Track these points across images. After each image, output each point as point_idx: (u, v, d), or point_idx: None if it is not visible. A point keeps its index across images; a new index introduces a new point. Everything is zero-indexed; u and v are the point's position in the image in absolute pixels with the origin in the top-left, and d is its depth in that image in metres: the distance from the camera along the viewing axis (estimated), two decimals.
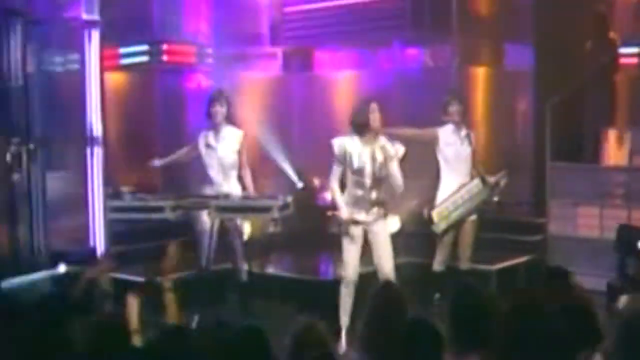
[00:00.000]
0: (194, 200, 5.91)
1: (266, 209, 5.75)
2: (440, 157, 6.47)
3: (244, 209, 5.86)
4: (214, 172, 6.34)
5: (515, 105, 9.04)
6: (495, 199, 6.76)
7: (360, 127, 5.41)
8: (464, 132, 6.50)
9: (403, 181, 5.40)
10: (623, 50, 7.90)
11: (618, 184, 7.30)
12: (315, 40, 9.33)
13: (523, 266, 7.45)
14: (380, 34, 8.75)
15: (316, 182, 8.71)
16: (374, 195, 5.43)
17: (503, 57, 9.15)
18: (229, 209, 5.82)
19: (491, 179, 6.47)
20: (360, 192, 5.41)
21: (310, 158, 8.86)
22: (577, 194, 7.59)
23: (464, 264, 6.56)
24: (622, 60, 7.92)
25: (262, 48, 9.49)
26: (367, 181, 5.41)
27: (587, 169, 7.74)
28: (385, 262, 5.50)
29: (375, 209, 5.47)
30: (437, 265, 6.53)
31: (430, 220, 6.34)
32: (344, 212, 5.40)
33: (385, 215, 5.57)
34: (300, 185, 8.37)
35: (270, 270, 7.41)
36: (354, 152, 5.40)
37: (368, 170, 5.37)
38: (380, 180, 5.44)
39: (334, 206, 5.95)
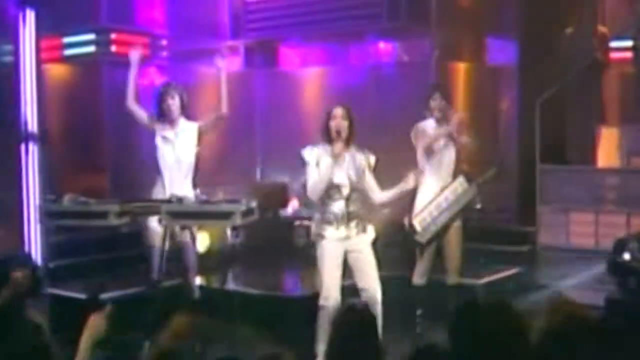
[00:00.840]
0: (143, 205, 5.34)
1: (227, 215, 5.17)
2: (420, 157, 6.05)
3: (201, 215, 5.28)
4: (168, 172, 5.83)
5: (498, 103, 8.96)
6: (478, 205, 6.48)
7: (324, 136, 5.07)
8: (444, 128, 6.11)
9: (379, 191, 5.12)
10: (614, 44, 7.84)
11: (614, 187, 7.14)
12: (280, 33, 9.11)
13: (511, 280, 7.18)
14: (352, 26, 8.54)
15: (282, 188, 8.65)
16: (351, 208, 5.07)
17: (485, 52, 9.04)
18: (183, 214, 5.25)
19: (477, 178, 6.13)
20: (336, 206, 5.05)
21: (275, 162, 8.93)
22: (569, 198, 7.40)
23: (453, 278, 6.12)
24: (614, 55, 7.87)
25: (222, 41, 9.19)
26: (344, 193, 5.04)
27: (580, 171, 7.60)
28: (372, 282, 5.08)
29: (354, 223, 5.10)
30: (418, 278, 6.10)
31: (412, 230, 5.92)
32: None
33: (365, 230, 5.18)
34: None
35: (230, 286, 6.97)
36: (320, 160, 5.04)
37: (344, 181, 5.02)
38: (356, 191, 5.09)
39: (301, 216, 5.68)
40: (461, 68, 8.86)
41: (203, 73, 8.49)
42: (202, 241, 7.14)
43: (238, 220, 5.09)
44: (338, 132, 4.95)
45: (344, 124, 4.97)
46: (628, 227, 6.94)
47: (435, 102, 6.05)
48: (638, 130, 7.46)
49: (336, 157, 4.98)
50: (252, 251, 7.69)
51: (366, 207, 5.14)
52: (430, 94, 6.11)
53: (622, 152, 7.54)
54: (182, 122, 5.90)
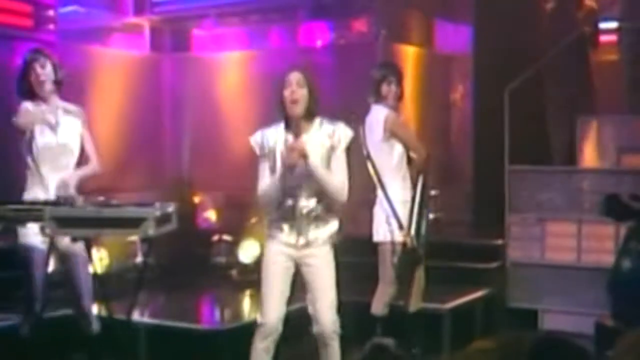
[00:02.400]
0: (19, 209, 4.39)
1: (136, 223, 4.28)
2: (397, 158, 5.53)
3: (100, 223, 4.33)
4: (48, 166, 4.87)
5: (450, 94, 8.94)
6: (431, 215, 6.15)
7: (278, 110, 4.39)
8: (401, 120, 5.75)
9: (348, 183, 4.37)
10: (603, 25, 7.68)
11: (600, 192, 6.43)
12: (192, 9, 9.00)
13: (480, 303, 6.83)
14: (278, 2, 8.66)
15: (196, 198, 8.44)
16: (308, 206, 4.37)
17: (436, 36, 9.13)
18: (75, 221, 4.31)
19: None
20: (288, 203, 4.37)
21: (189, 163, 8.85)
22: (545, 206, 7.03)
23: (415, 304, 5.60)
24: (603, 38, 7.73)
25: (123, 18, 8.93)
26: (298, 186, 4.35)
27: (558, 173, 7.12)
28: (324, 307, 4.38)
29: (312, 226, 4.40)
30: (381, 305, 5.55)
31: (410, 247, 5.38)
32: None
33: (325, 236, 4.44)
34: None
35: (136, 315, 6.27)
36: (277, 145, 4.39)
37: (298, 169, 4.31)
38: (312, 184, 4.36)
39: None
40: (410, 53, 8.60)
41: (98, 54, 8.41)
42: (101, 258, 6.85)
43: (151, 230, 4.26)
44: (294, 102, 4.27)
45: (301, 92, 4.28)
46: (616, 239, 6.43)
47: (391, 87, 5.54)
48: (630, 122, 7.03)
49: (295, 137, 4.32)
50: (163, 272, 7.29)
51: (331, 204, 4.41)
52: (381, 76, 5.56)
53: (611, 149, 7.09)
54: (59, 103, 4.93)
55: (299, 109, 4.28)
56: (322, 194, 4.33)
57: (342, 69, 7.96)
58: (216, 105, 8.84)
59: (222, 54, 9.20)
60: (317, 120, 4.36)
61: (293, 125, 4.33)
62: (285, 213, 4.37)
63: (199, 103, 8.98)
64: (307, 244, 4.37)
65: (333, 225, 4.42)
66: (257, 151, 4.43)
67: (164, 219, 4.51)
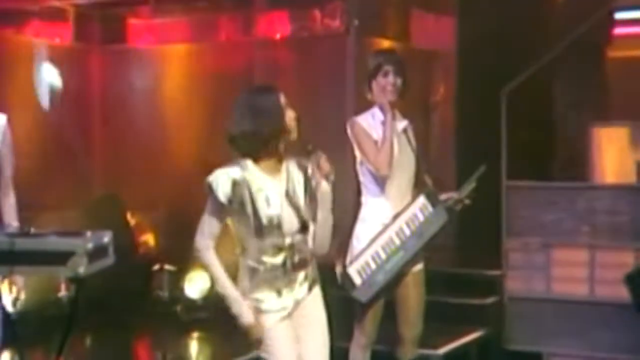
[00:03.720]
0: None
1: (61, 258, 4.08)
2: (361, 169, 5.36)
3: (12, 257, 4.19)
4: None
5: (429, 97, 8.94)
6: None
7: (264, 142, 4.08)
8: (401, 123, 5.38)
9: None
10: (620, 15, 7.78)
11: (618, 212, 6.58)
12: None
13: (474, 346, 6.74)
14: None
15: (131, 218, 8.34)
16: (298, 257, 4.15)
17: (414, 30, 9.01)
18: None
19: (448, 195, 5.45)
20: (278, 260, 4.10)
21: (121, 175, 8.62)
22: (551, 229, 6.92)
23: (410, 351, 5.34)
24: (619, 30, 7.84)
25: (42, 1, 8.74)
26: (287, 237, 4.09)
27: (567, 190, 7.01)
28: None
29: (302, 276, 4.18)
30: (358, 351, 5.36)
31: (348, 282, 5.18)
32: (247, 317, 4.09)
33: (314, 283, 4.27)
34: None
35: None
36: (257, 190, 4.05)
37: (286, 217, 4.07)
38: (305, 229, 4.18)
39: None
40: (384, 46, 8.40)
41: (11, 43, 8.37)
42: (14, 298, 6.69)
43: (81, 267, 4.04)
44: (292, 131, 4.13)
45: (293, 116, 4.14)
46: None
47: (386, 79, 5.25)
48: None
49: (272, 177, 4.11)
50: (91, 308, 6.78)
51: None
52: (376, 65, 5.26)
53: (630, 161, 7.01)
54: None
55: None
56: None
57: (305, 66, 7.99)
58: (156, 108, 8.79)
59: (162, 46, 9.14)
60: (291, 162, 4.15)
61: (271, 161, 4.03)
62: (271, 274, 4.05)
63: (134, 104, 8.89)
64: (305, 296, 4.17)
65: (313, 260, 4.20)
66: (220, 196, 3.98)
67: (98, 253, 4.30)
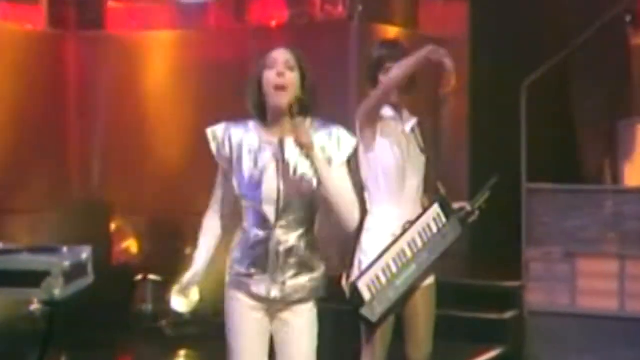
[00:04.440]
0: None
1: (35, 279, 4.05)
2: (366, 173, 5.31)
3: None
4: None
5: (439, 90, 8.66)
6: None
7: (253, 102, 4.16)
8: (409, 122, 5.32)
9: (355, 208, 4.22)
10: None
11: None
12: None
13: None
14: None
15: (112, 223, 8.30)
16: (288, 241, 4.13)
17: (421, 15, 9.09)
18: None
19: (460, 205, 5.43)
20: (260, 234, 4.14)
21: (100, 176, 8.68)
22: (577, 237, 6.94)
23: None
24: None
25: None
26: (271, 211, 4.10)
27: (594, 194, 7.05)
28: None
29: (291, 272, 4.14)
30: None
31: (357, 299, 5.08)
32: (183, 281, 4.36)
33: (310, 287, 4.22)
34: None
35: None
36: (243, 147, 4.17)
37: (272, 186, 4.08)
38: (297, 208, 4.14)
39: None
40: (391, 35, 8.41)
41: None
42: None
43: (57, 290, 4.09)
44: (280, 88, 4.03)
45: (291, 76, 4.03)
46: None
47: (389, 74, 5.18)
48: None
49: (271, 139, 4.12)
50: (67, 323, 6.20)
51: (317, 239, 4.27)
52: (378, 59, 5.21)
53: None
54: None
55: (286, 98, 3.96)
56: (308, 223, 4.12)
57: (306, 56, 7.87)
58: (138, 101, 8.73)
59: (145, 33, 9.10)
60: (308, 121, 4.06)
61: (276, 124, 4.03)
62: (252, 251, 4.09)
63: (114, 98, 8.85)
64: (284, 298, 4.12)
65: (319, 271, 4.13)
66: (213, 148, 4.16)
67: (75, 272, 4.32)
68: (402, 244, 5.18)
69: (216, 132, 4.12)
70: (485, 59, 8.23)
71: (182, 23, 9.08)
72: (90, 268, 4.43)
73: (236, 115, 4.37)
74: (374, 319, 5.07)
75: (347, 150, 4.09)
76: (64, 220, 7.87)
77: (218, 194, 4.19)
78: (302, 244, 4.11)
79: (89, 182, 8.78)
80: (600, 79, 7.57)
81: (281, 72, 3.96)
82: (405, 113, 5.28)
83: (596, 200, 6.93)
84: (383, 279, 5.12)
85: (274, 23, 8.67)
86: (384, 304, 5.12)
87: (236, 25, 8.87)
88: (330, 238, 4.71)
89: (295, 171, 4.07)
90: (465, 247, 7.58)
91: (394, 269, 5.15)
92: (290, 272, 4.11)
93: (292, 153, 4.03)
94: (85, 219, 7.98)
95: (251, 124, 4.10)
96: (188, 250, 7.20)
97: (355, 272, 5.17)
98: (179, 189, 7.78)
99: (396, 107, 5.21)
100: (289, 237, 4.08)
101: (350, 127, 5.51)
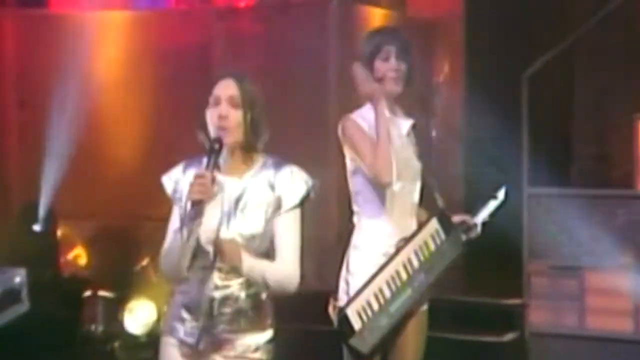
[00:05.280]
0: None
1: None
2: (355, 181, 5.24)
3: None
4: None
5: (431, 79, 8.92)
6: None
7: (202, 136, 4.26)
8: (405, 123, 5.24)
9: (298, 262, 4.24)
10: None
11: None
12: None
13: None
14: None
15: (57, 230, 8.24)
16: (226, 288, 4.18)
17: None
18: None
19: (461, 218, 5.38)
20: (196, 275, 4.22)
21: (42, 176, 8.31)
22: (586, 249, 6.89)
23: None
24: None
25: None
26: (208, 246, 4.18)
27: (606, 199, 7.02)
28: None
29: (223, 326, 4.17)
30: None
31: (346, 328, 5.04)
32: None
33: (252, 351, 4.24)
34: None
35: None
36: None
37: (211, 224, 4.17)
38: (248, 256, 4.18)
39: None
40: (376, 17, 8.43)
41: None
42: None
43: None
44: (222, 129, 4.11)
45: (235, 116, 4.10)
46: None
47: (388, 64, 5.06)
48: None
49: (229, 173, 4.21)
50: (5, 345, 6.51)
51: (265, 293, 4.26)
52: (374, 47, 5.11)
53: None
54: None
55: (231, 138, 4.07)
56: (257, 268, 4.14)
57: (276, 41, 7.99)
58: (87, 90, 8.35)
59: (95, 14, 8.94)
60: (260, 160, 4.16)
61: (231, 160, 4.15)
62: (188, 293, 4.15)
63: (59, 86, 8.36)
64: (217, 351, 4.11)
65: (266, 332, 4.15)
66: (169, 190, 4.26)
67: (7, 299, 4.54)
68: (396, 264, 5.09)
69: (169, 180, 4.18)
70: (483, 44, 8.23)
71: (139, 2, 9.08)
72: (25, 293, 4.52)
73: (199, 107, 4.31)
74: (365, 349, 4.98)
75: (300, 193, 4.10)
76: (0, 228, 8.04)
77: (175, 226, 4.14)
78: (243, 295, 4.08)
79: (29, 183, 8.45)
80: (607, 69, 7.57)
81: (223, 115, 3.99)
82: (400, 112, 5.17)
83: (610, 207, 6.89)
84: (375, 305, 5.02)
85: (242, 4, 8.68)
86: (376, 334, 5.02)
87: (199, 4, 8.92)
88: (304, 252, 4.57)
89: (242, 218, 4.09)
90: (459, 259, 7.87)
91: (388, 294, 5.05)
92: (225, 325, 4.08)
93: (243, 197, 4.09)
94: (24, 225, 7.95)
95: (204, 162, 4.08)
96: (144, 262, 7.32)
97: (342, 297, 5.10)
98: (134, 191, 7.67)
99: (390, 103, 5.09)
100: (229, 282, 4.08)
101: (327, 124, 5.40)
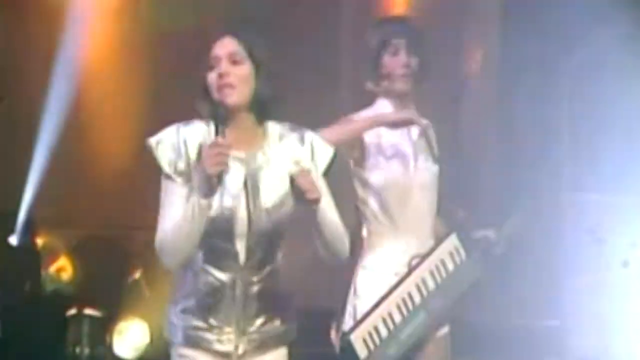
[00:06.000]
0: None
1: None
2: (360, 193, 5.22)
3: None
4: None
5: (462, 64, 9.01)
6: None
7: (201, 103, 4.02)
8: (417, 125, 5.14)
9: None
10: None
11: None
12: None
13: None
14: None
15: (38, 240, 8.32)
16: (254, 283, 4.11)
17: None
18: None
19: (485, 233, 5.30)
20: (222, 277, 4.10)
21: (20, 181, 8.49)
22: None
23: None
24: None
25: None
26: (238, 244, 4.08)
27: None
28: None
29: (259, 324, 4.10)
30: None
31: (349, 355, 5.05)
32: None
33: (277, 338, 4.20)
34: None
35: None
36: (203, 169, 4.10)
37: (241, 213, 4.03)
38: (266, 243, 4.10)
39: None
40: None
41: None
42: None
43: None
44: (224, 88, 3.97)
45: (240, 72, 3.95)
46: None
47: (397, 58, 5.00)
48: None
49: (235, 157, 4.03)
50: None
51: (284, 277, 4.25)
52: (380, 41, 5.07)
53: None
54: None
55: (235, 96, 3.93)
56: (275, 260, 4.08)
57: (284, 22, 7.89)
58: (66, 82, 8.53)
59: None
60: (276, 127, 4.04)
61: (236, 129, 3.98)
62: (211, 298, 4.03)
63: (36, 75, 8.58)
64: (254, 351, 4.08)
65: (288, 312, 4.14)
66: (165, 165, 3.99)
67: None
68: (409, 285, 5.08)
69: (164, 141, 3.94)
70: (521, 24, 8.00)
71: None
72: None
73: (200, 76, 4.10)
74: None
75: (324, 162, 4.07)
76: None
77: (175, 206, 3.96)
78: (269, 284, 4.04)
79: (5, 190, 8.51)
80: None
81: (224, 72, 3.87)
82: (413, 111, 5.04)
83: None
84: (383, 331, 5.01)
85: None
86: None
87: None
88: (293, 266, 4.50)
89: (268, 197, 4.00)
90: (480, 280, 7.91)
91: (398, 319, 5.04)
92: (260, 320, 4.04)
93: (265, 173, 4.00)
94: (2, 236, 8.05)
95: (206, 129, 3.96)
96: (136, 275, 7.41)
97: (348, 322, 5.05)
98: (122, 198, 7.66)
99: (401, 103, 5.02)
100: (256, 279, 4.02)
101: (339, 105, 5.23)
